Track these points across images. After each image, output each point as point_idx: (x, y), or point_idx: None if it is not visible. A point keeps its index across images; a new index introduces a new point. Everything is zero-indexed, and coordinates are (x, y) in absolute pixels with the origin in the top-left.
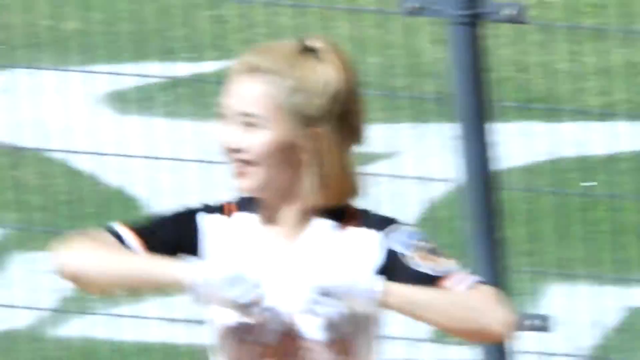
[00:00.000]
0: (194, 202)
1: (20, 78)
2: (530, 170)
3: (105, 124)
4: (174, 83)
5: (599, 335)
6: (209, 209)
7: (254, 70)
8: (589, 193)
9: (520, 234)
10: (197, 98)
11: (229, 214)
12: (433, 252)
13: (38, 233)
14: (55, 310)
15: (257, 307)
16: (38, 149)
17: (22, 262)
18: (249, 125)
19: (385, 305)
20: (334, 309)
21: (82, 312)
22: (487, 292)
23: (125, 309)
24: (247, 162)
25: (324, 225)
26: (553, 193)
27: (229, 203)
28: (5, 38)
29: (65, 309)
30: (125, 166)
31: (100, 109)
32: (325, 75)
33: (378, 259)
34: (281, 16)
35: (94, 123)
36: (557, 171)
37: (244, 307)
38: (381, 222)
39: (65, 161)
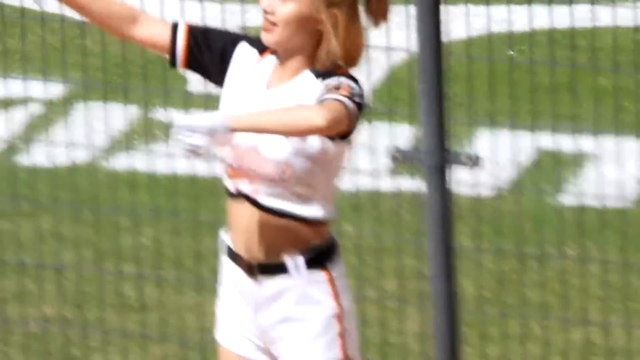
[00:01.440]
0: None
1: None
2: (469, 43)
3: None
4: None
5: (515, 171)
6: (252, 42)
7: None
8: (513, 60)
9: (459, 91)
10: None
11: (263, 54)
12: (337, 88)
13: (96, 88)
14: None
15: (205, 152)
16: None
17: (82, 110)
18: None
19: (235, 129)
20: (197, 141)
21: (127, 149)
22: (325, 104)
23: (160, 146)
24: (273, 23)
25: (306, 79)
26: (486, 60)
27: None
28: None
29: (114, 147)
30: None
31: None
32: None
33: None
34: None
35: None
36: (490, 42)
37: (191, 151)
38: (329, 74)
39: None
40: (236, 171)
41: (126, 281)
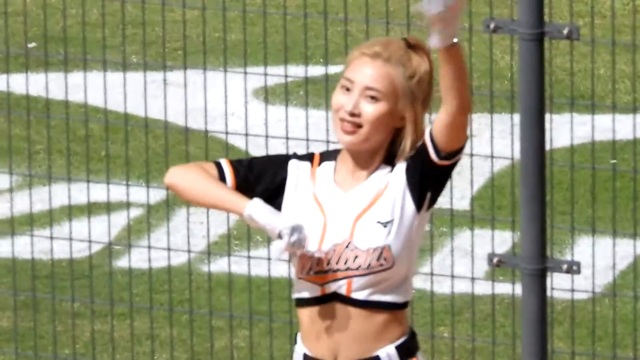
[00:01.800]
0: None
1: (192, 76)
2: (573, 150)
3: (255, 112)
4: (309, 81)
5: (612, 276)
6: (300, 157)
7: (377, 56)
8: (616, 169)
9: (561, 198)
10: (326, 93)
11: (316, 163)
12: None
13: None
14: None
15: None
16: (202, 130)
17: (183, 215)
18: (371, 97)
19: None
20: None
21: (225, 254)
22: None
23: (255, 251)
24: (358, 125)
25: (382, 173)
26: (589, 168)
27: (317, 154)
28: (181, 45)
29: (213, 251)
30: (269, 143)
31: (251, 100)
32: (425, 66)
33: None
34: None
35: (247, 111)
36: (593, 151)
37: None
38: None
39: (223, 139)
40: (325, 273)
41: None
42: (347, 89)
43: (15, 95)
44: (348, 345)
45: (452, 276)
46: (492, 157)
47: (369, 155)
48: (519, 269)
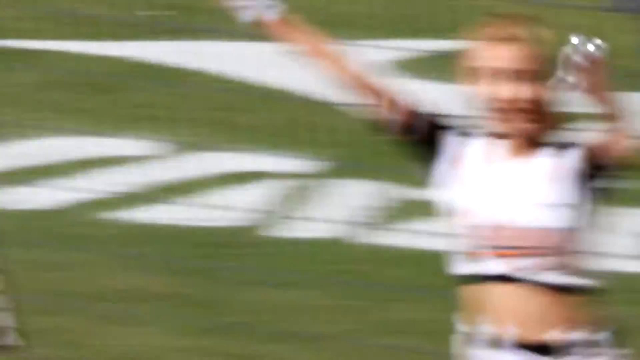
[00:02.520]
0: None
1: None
2: None
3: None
4: (441, 55)
5: None
6: (459, 131)
7: (514, 38)
8: None
9: None
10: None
11: (471, 137)
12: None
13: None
14: (359, 224)
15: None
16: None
17: (334, 187)
18: (521, 79)
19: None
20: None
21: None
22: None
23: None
24: (520, 110)
25: (548, 152)
26: None
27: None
28: (306, 19)
29: (369, 223)
30: None
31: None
32: (549, 44)
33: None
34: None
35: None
36: None
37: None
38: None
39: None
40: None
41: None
42: (488, 77)
43: (146, 63)
44: (541, 325)
45: None
46: None
47: (527, 138)
48: None
